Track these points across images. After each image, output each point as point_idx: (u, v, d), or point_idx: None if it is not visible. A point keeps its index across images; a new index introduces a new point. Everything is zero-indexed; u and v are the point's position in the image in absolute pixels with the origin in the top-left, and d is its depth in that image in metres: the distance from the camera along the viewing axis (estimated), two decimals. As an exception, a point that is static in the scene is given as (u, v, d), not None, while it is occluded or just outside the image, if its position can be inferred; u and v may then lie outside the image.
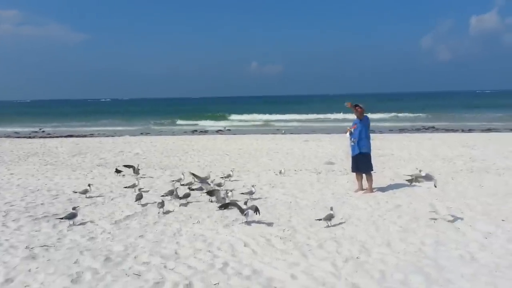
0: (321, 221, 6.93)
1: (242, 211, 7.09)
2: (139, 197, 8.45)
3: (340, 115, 44.97)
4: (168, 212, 7.90)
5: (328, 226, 6.84)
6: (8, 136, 30.19)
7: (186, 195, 8.62)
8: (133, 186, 9.74)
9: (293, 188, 9.95)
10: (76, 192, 9.37)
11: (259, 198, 8.91)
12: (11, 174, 12.28)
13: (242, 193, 8.99)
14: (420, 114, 47.04)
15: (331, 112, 49.85)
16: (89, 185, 9.40)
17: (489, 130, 29.01)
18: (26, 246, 6.04)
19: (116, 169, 12.18)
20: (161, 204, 7.81)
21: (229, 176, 10.96)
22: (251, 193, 8.80)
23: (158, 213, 7.75)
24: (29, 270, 5.19)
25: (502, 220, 6.99)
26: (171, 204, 8.46)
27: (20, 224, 7.14)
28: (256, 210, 7.09)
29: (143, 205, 8.32)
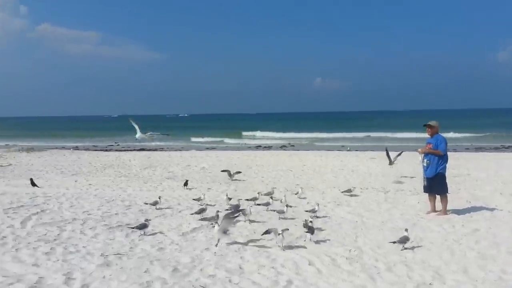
0: (395, 243, 6.60)
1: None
2: (200, 211, 8.55)
3: (409, 134, 43.33)
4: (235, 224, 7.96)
5: (403, 249, 6.52)
6: (87, 149, 32.30)
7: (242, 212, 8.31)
8: (199, 199, 9.97)
9: (359, 207, 9.67)
10: (147, 204, 9.75)
11: (324, 217, 8.74)
12: (89, 184, 13.06)
13: (306, 211, 8.87)
14: (500, 133, 44.08)
15: (400, 129, 48.22)
16: (159, 197, 9.74)
17: None
18: (101, 254, 6.34)
19: (186, 181, 12.54)
20: (216, 218, 7.77)
21: (297, 193, 10.83)
22: (313, 211, 8.63)
23: (213, 225, 7.74)
24: (104, 277, 5.43)
25: None
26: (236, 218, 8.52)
27: (96, 232, 7.53)
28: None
29: (203, 219, 8.33)
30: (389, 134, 46.27)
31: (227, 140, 43.04)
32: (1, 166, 18.07)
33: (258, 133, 52.88)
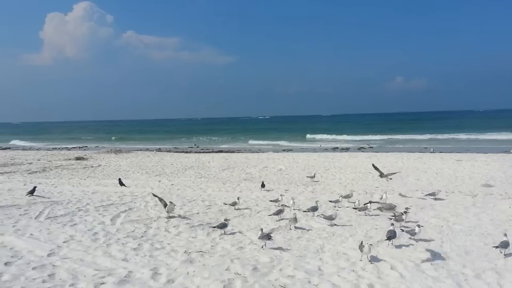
0: (497, 248, 6.28)
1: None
2: (278, 212, 8.69)
3: (498, 135, 40.35)
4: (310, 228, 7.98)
5: (504, 255, 6.19)
6: (169, 150, 33.91)
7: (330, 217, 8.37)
8: (277, 200, 10.09)
9: (444, 211, 9.20)
10: (226, 204, 10.06)
11: (408, 221, 8.42)
12: (172, 184, 13.75)
13: (390, 218, 8.52)
14: None
15: (485, 130, 45.04)
16: (237, 198, 10.02)
17: None
18: (185, 251, 6.66)
19: (262, 183, 12.71)
20: (294, 220, 7.90)
21: (381, 198, 10.21)
22: (400, 219, 8.14)
23: (290, 228, 7.85)
24: (188, 273, 5.71)
25: None
26: (313, 220, 8.54)
27: (179, 230, 7.93)
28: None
29: (281, 220, 8.47)
30: (473, 136, 43.36)
31: (284, 143, 42.84)
32: (92, 166, 19.60)
33: (322, 136, 51.41)
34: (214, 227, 7.84)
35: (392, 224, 6.96)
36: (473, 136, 42.95)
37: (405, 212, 7.77)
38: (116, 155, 25.96)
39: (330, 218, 8.16)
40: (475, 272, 5.54)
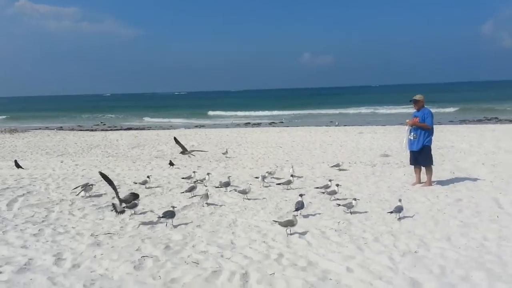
0: (392, 213, 6.82)
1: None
2: (190, 189, 8.64)
3: (394, 108, 43.84)
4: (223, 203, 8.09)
5: (398, 218, 6.76)
6: (72, 129, 31.96)
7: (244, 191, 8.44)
8: (189, 177, 10.03)
9: (347, 180, 9.82)
10: (136, 183, 9.78)
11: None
12: (76, 165, 13.00)
13: (317, 188, 8.93)
14: (481, 104, 44.70)
15: (386, 104, 48.64)
16: (148, 176, 9.77)
17: (559, 120, 27.10)
18: (92, 234, 6.39)
19: (170, 161, 12.50)
20: (206, 197, 7.92)
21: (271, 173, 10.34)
22: (327, 187, 8.52)
23: (202, 205, 7.86)
24: (95, 256, 5.48)
25: None
26: (226, 195, 8.64)
27: (85, 213, 7.56)
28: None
29: (194, 196, 8.47)
30: (373, 109, 46.64)
31: (176, 120, 42.44)
32: (-14, 149, 17.86)
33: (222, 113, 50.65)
34: (124, 207, 7.59)
35: (300, 195, 7.27)
36: (372, 110, 46.20)
37: (338, 185, 8.11)
38: (11, 135, 23.89)
39: (243, 192, 8.31)
40: (374, 236, 6.02)
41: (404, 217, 6.86)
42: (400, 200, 6.94)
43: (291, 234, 6.14)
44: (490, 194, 8.13)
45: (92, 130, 29.91)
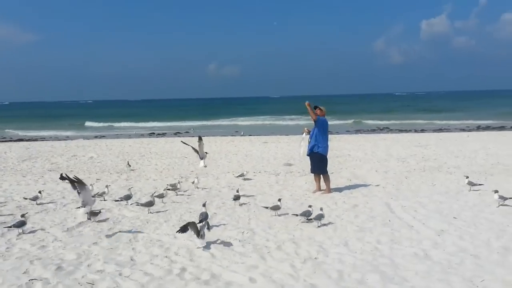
0: (311, 221, 7.02)
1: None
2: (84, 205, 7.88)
3: (297, 119, 45.76)
4: (123, 217, 7.68)
5: (306, 221, 7.01)
6: (-49, 140, 28.50)
7: (149, 203, 8.05)
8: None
9: (252, 190, 9.93)
10: (26, 199, 8.93)
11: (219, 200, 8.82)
12: (-46, 181, 11.55)
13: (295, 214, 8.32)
14: (375, 115, 48.47)
15: (289, 114, 50.61)
16: (39, 191, 8.95)
17: (440, 130, 30.31)
18: (-30, 258, 5.67)
19: (61, 175, 11.09)
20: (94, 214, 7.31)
21: (193, 182, 10.10)
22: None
23: (90, 219, 7.31)
24: (-26, 283, 4.87)
25: (454, 217, 7.26)
26: (127, 209, 8.24)
27: (-37, 234, 6.71)
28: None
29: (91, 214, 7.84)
30: (274, 119, 48.30)
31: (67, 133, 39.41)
32: None
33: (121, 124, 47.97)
34: (10, 226, 6.85)
35: (204, 206, 7.14)
36: (274, 120, 47.85)
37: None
38: None
39: (148, 204, 7.96)
40: (277, 244, 6.11)
41: (305, 223, 7.07)
42: (321, 209, 7.15)
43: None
44: (383, 199, 8.73)
45: (-25, 141, 26.92)
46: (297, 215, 7.13)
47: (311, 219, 7.03)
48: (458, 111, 51.74)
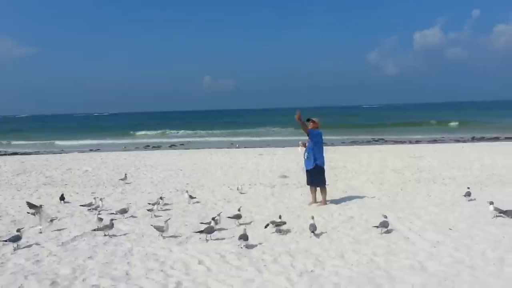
0: (378, 228, 7.14)
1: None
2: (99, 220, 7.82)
3: (293, 129, 45.91)
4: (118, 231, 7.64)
5: (312, 235, 7.02)
6: None
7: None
8: (90, 204, 9.37)
9: (247, 202, 9.91)
10: (29, 213, 8.77)
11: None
12: None
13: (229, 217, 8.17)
14: (370, 127, 48.71)
15: (283, 126, 50.81)
16: (40, 206, 8.71)
17: (435, 141, 30.44)
18: (-37, 273, 5.62)
19: (62, 195, 10.48)
20: (109, 226, 7.40)
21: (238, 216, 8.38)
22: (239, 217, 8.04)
23: (106, 235, 7.37)
24: (-33, 299, 4.83)
25: (449, 229, 7.27)
26: (122, 223, 8.20)
27: (-43, 249, 6.65)
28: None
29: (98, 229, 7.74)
30: (273, 131, 48.44)
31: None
32: None
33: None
34: (5, 241, 6.81)
35: (213, 219, 7.16)
36: (269, 132, 48.01)
37: (239, 209, 8.06)
38: None
39: (159, 229, 7.33)
40: (273, 257, 6.10)
41: (301, 236, 7.06)
42: (312, 218, 7.24)
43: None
44: (378, 211, 8.72)
45: (-31, 155, 26.77)
46: (377, 227, 7.24)
47: (377, 226, 7.17)
48: (453, 121, 52.07)
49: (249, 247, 6.58)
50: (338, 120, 59.31)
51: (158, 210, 9.02)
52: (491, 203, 7.99)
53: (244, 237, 6.59)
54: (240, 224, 7.83)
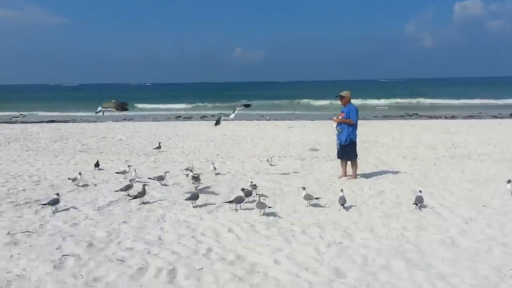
0: (416, 204, 7.00)
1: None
2: (126, 188, 8.01)
3: (324, 102, 45.42)
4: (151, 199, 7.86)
5: (326, 214, 6.87)
6: (-13, 121, 29.55)
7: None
8: (124, 172, 9.62)
9: (277, 174, 9.97)
10: (69, 179, 9.10)
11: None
12: (-9, 159, 12.04)
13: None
14: (404, 101, 47.54)
15: (315, 98, 50.20)
16: (79, 173, 9.03)
17: (471, 117, 29.46)
18: (8, 232, 5.94)
19: (97, 162, 10.91)
20: (142, 193, 7.56)
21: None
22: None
23: (140, 202, 7.58)
24: (11, 256, 5.12)
25: (483, 205, 7.13)
26: (155, 190, 8.42)
27: (1, 210, 7.02)
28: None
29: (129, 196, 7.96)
30: (305, 103, 47.97)
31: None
32: None
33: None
34: (44, 204, 7.13)
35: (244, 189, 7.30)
36: (305, 101, 47.62)
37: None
38: None
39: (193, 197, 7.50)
40: (302, 228, 6.15)
41: (330, 209, 7.09)
42: (342, 190, 7.25)
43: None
44: (410, 186, 8.63)
45: (10, 123, 27.85)
46: (415, 204, 7.06)
47: (415, 203, 7.03)
48: (491, 97, 50.12)
49: (277, 218, 6.65)
50: (370, 93, 58.06)
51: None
52: (509, 181, 7.77)
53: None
54: (258, 195, 7.72)
